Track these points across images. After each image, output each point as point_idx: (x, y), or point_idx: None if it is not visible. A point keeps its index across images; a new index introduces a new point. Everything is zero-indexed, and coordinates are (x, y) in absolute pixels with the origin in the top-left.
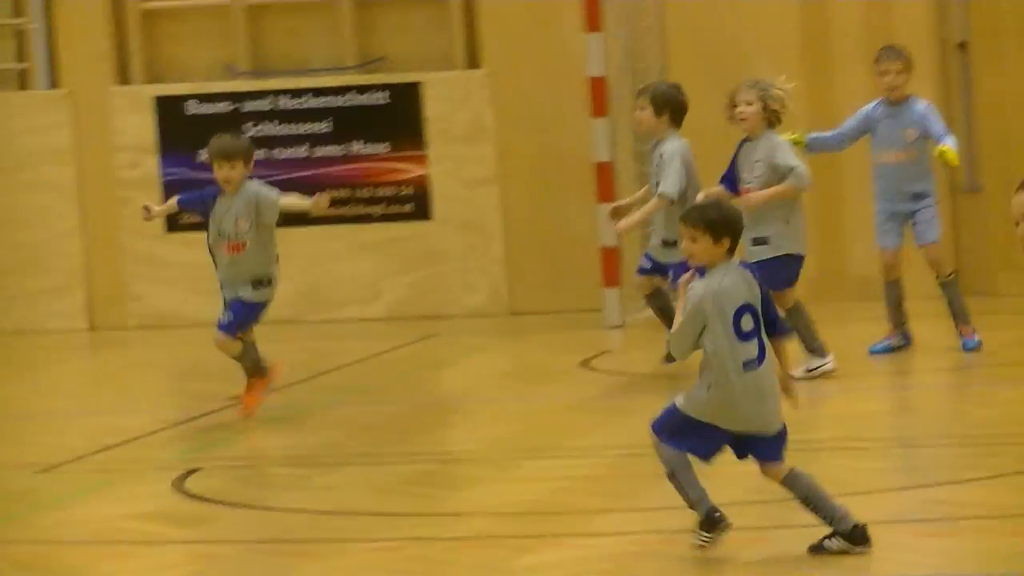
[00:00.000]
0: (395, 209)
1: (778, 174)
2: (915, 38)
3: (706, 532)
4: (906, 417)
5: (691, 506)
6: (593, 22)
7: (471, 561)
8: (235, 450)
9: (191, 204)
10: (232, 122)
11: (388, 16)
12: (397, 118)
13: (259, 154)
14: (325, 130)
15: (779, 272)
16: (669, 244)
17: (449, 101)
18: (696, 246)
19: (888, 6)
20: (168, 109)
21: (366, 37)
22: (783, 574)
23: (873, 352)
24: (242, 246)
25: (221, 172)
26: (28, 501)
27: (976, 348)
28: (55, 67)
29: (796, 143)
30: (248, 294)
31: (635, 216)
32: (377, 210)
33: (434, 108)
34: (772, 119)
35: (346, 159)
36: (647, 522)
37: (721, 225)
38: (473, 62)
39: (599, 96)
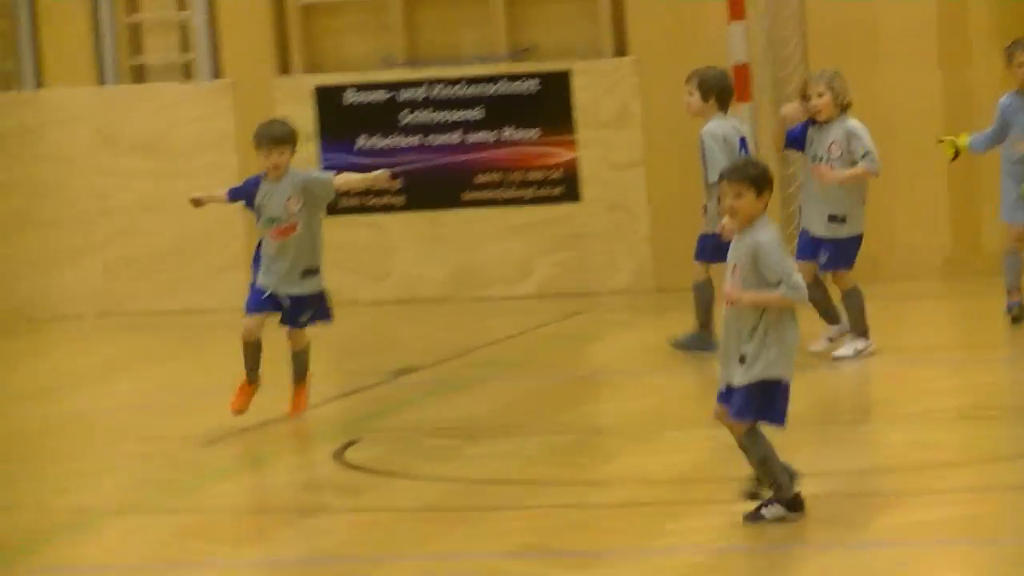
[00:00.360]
0: (545, 192)
1: (853, 157)
2: None
3: (791, 511)
4: None
5: (778, 486)
6: (736, 11)
7: (620, 526)
8: (391, 423)
9: (239, 194)
10: (388, 110)
11: (538, 7)
12: (547, 105)
13: (414, 141)
14: (477, 117)
15: (851, 250)
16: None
17: (597, 88)
18: (742, 201)
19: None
20: (327, 98)
21: (517, 27)
22: (928, 534)
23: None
24: (292, 228)
25: (270, 158)
26: (195, 472)
27: None
28: (218, 59)
29: (955, 148)
30: (299, 289)
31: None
32: (528, 193)
33: (583, 95)
34: (843, 105)
35: (498, 144)
36: None
37: (763, 181)
38: (620, 51)
39: (742, 82)
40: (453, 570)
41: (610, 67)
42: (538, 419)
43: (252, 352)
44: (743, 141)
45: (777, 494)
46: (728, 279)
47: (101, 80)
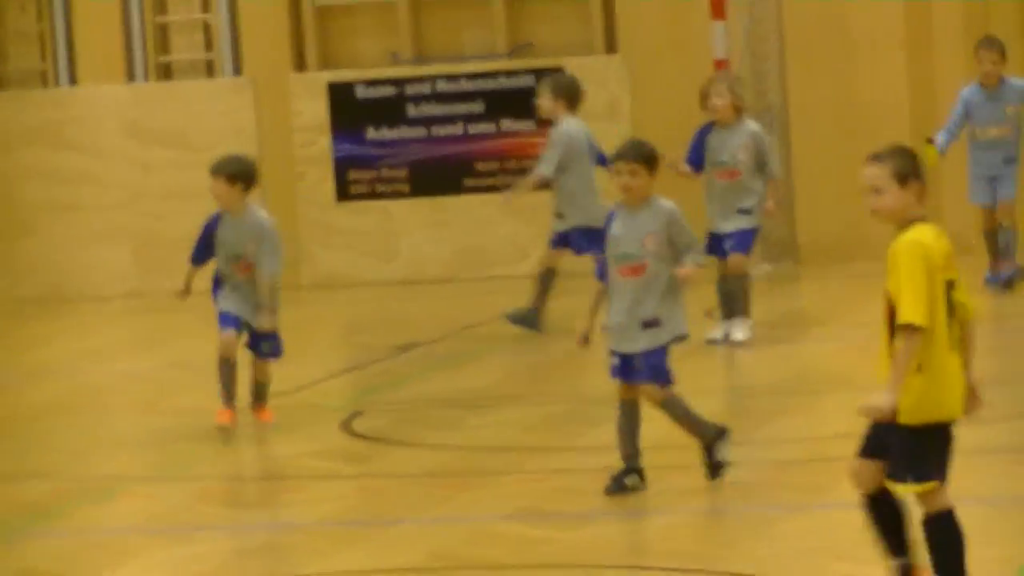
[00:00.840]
0: None
1: (760, 161)
2: (1005, 31)
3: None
4: (999, 357)
5: (705, 433)
6: (718, 11)
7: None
8: (396, 394)
9: (200, 252)
10: (396, 104)
11: (535, 7)
12: None
13: (420, 132)
14: (478, 110)
15: (752, 239)
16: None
17: (589, 83)
18: (637, 180)
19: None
20: (339, 93)
21: (515, 26)
22: None
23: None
24: (252, 267)
25: (215, 188)
26: (213, 442)
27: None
28: (238, 57)
29: (932, 158)
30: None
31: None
32: None
33: None
34: (740, 109)
35: (497, 135)
36: (749, 454)
37: (655, 159)
38: (611, 48)
39: None
40: (454, 532)
41: (601, 63)
42: (534, 390)
43: (229, 371)
44: (590, 141)
45: (634, 463)
46: (630, 257)
47: (131, 77)
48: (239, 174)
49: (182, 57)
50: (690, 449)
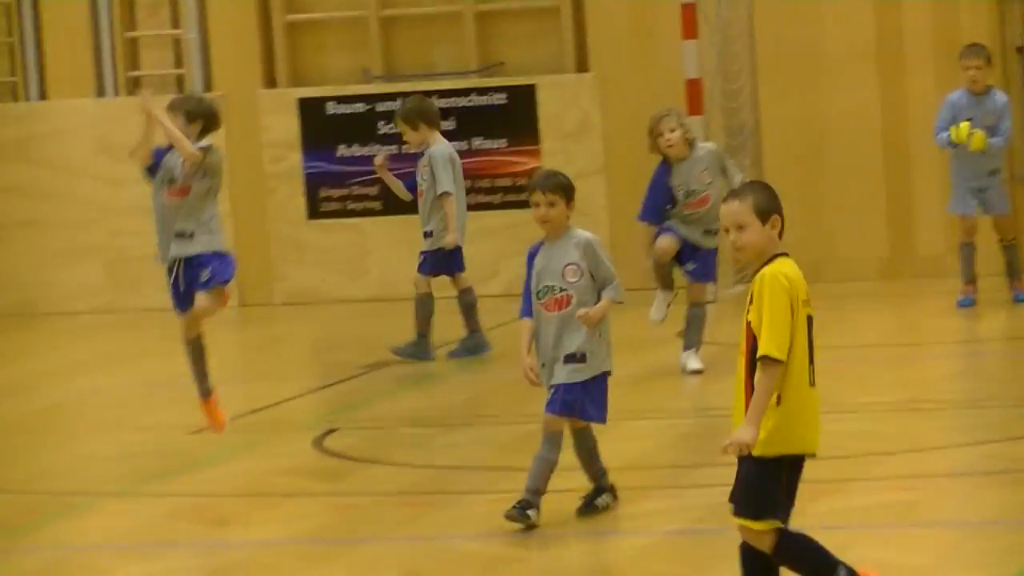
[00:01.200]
0: (512, 197)
1: (727, 175)
2: (979, 40)
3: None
4: (970, 381)
5: (604, 474)
6: (689, 30)
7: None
8: (368, 413)
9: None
10: (367, 121)
11: (506, 26)
12: (514, 117)
13: (391, 150)
14: (449, 128)
15: (715, 263)
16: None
17: (561, 102)
18: (555, 210)
19: (955, 10)
20: (310, 109)
21: (486, 45)
22: (866, 518)
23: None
24: (186, 191)
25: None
26: (185, 459)
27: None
28: (208, 72)
29: (978, 140)
30: (188, 248)
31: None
32: (496, 199)
33: (547, 108)
34: (691, 141)
35: (468, 153)
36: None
37: (572, 189)
38: (582, 66)
39: (695, 96)
40: (426, 552)
41: (573, 82)
42: (505, 410)
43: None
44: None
45: (603, 482)
46: (554, 290)
47: (100, 92)
48: (197, 112)
49: (152, 72)
50: (664, 469)
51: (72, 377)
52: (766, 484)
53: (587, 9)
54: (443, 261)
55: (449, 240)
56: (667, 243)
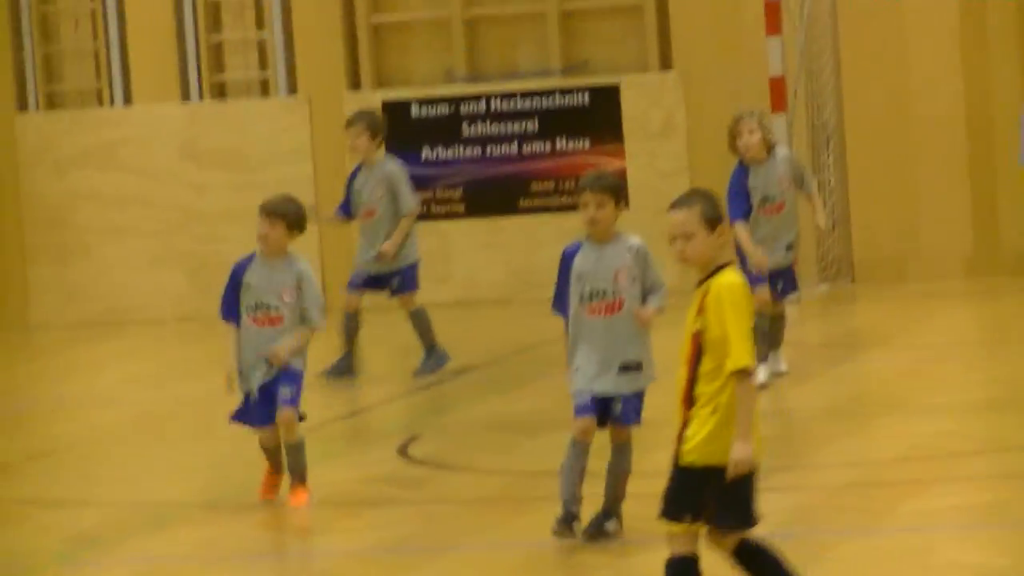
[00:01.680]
0: None
1: (803, 184)
2: None
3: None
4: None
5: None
6: (773, 27)
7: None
8: (452, 418)
9: (228, 304)
10: (451, 123)
11: (590, 25)
12: (598, 117)
13: (474, 152)
14: (533, 129)
15: (793, 277)
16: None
17: (645, 101)
18: (604, 212)
19: None
20: (394, 112)
21: (570, 44)
22: (951, 519)
23: None
24: (280, 320)
25: (261, 227)
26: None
27: None
28: (293, 75)
29: None
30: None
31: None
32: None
33: (631, 107)
34: (770, 144)
35: (552, 155)
36: (802, 478)
37: (622, 190)
38: (666, 65)
39: (778, 93)
40: (510, 558)
41: (656, 81)
42: None
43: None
44: None
45: (617, 508)
46: (606, 293)
47: (185, 96)
48: (296, 222)
49: (236, 76)
50: None
51: (155, 386)
52: (688, 488)
53: (670, 7)
54: (414, 275)
55: (388, 249)
56: (765, 294)
